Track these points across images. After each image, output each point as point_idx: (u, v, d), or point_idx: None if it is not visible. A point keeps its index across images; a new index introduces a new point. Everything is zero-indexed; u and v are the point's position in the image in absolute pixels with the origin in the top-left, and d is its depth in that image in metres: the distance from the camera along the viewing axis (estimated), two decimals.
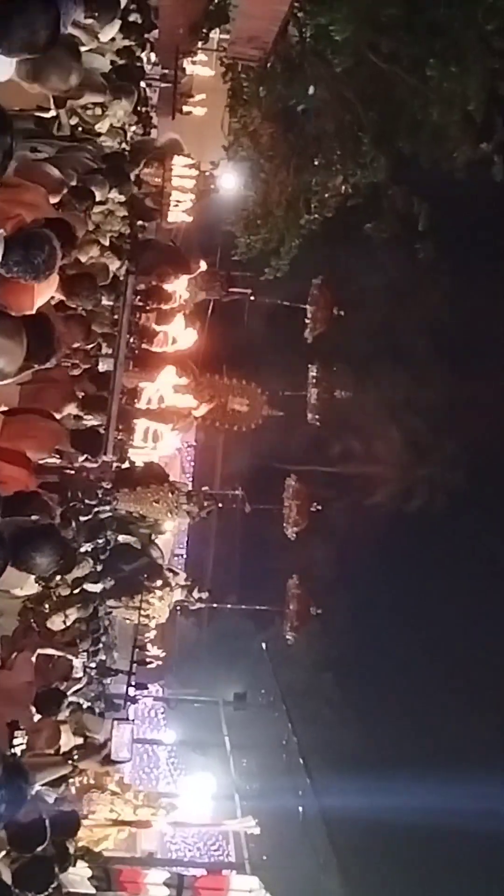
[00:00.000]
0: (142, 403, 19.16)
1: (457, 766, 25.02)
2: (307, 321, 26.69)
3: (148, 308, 18.86)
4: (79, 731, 9.62)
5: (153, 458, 20.61)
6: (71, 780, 9.76)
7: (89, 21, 8.54)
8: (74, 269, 8.18)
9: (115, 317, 13.84)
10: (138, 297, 18.07)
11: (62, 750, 7.24)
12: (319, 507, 27.48)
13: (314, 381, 26.94)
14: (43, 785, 6.45)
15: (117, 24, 9.40)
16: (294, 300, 27.09)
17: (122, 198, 11.53)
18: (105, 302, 11.14)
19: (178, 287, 20.20)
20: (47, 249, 4.45)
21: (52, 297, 7.14)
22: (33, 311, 6.23)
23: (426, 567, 29.88)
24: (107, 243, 10.67)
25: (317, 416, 27.35)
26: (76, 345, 8.46)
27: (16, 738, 6.25)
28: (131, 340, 17.47)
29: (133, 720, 19.44)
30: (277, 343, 27.86)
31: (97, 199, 8.74)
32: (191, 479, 29.46)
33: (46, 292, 6.78)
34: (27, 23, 3.93)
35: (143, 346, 18.95)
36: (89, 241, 9.53)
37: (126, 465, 19.06)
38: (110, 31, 9.44)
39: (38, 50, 4.11)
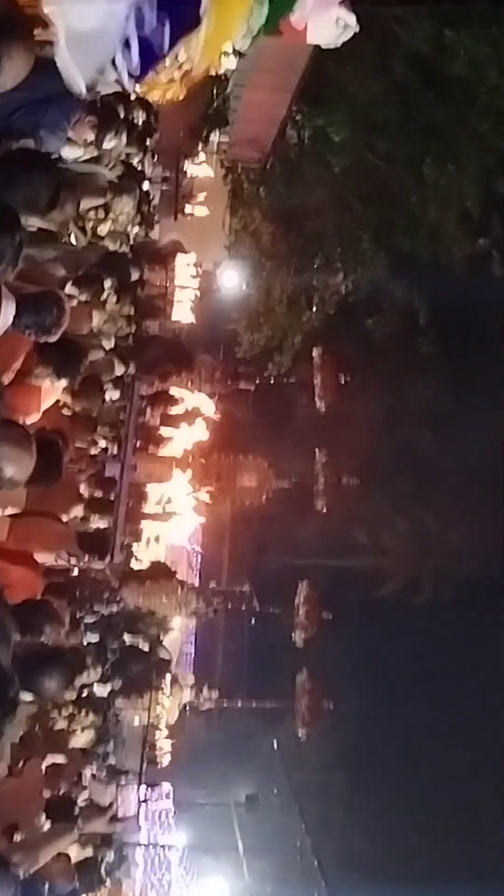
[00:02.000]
0: (149, 507, 19.15)
1: (478, 876, 24.45)
2: (315, 392, 26.82)
3: (153, 412, 19.01)
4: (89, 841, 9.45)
5: (159, 555, 20.55)
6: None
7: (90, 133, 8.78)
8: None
9: (122, 418, 13.92)
10: (144, 401, 18.22)
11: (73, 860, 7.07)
12: (331, 616, 27.24)
13: (321, 466, 26.99)
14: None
15: (118, 136, 9.63)
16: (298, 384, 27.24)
17: (126, 301, 11.68)
18: (109, 402, 11.22)
19: (184, 392, 20.37)
20: (55, 311, 4.59)
21: (58, 401, 7.23)
22: (40, 414, 6.32)
23: (436, 659, 29.59)
24: (111, 346, 10.78)
25: (323, 504, 27.33)
26: (81, 446, 8.51)
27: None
28: (137, 444, 17.55)
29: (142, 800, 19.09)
30: (283, 429, 27.92)
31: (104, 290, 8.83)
32: (197, 576, 29.30)
33: (53, 395, 6.86)
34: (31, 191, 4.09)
35: (150, 451, 19.02)
36: (93, 346, 9.64)
37: (133, 564, 18.98)
38: (111, 143, 9.67)
39: (41, 213, 4.29)
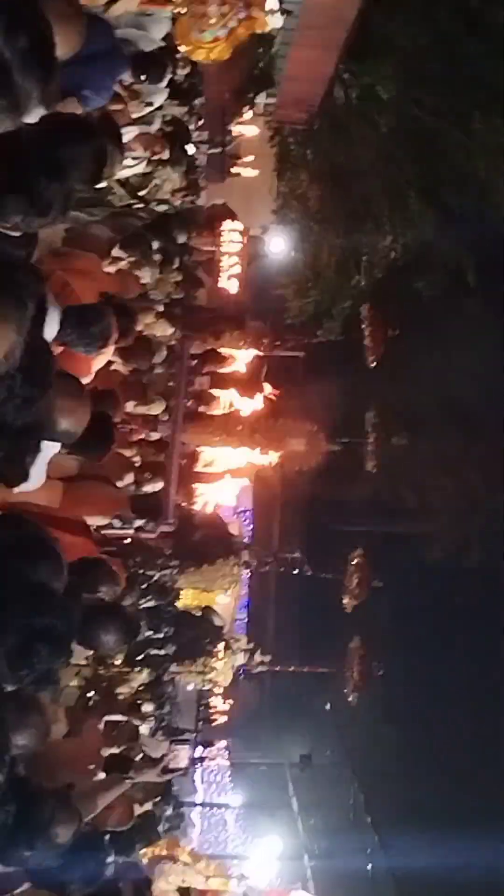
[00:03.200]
0: (199, 466, 19.21)
1: None
2: (366, 345, 26.70)
3: (204, 372, 18.99)
4: (147, 797, 9.54)
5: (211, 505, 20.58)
6: (143, 851, 9.66)
7: (137, 86, 8.71)
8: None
9: (171, 383, 13.92)
10: (194, 360, 18.20)
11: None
12: (381, 585, 27.25)
13: (371, 427, 26.93)
14: (113, 846, 6.33)
15: (165, 91, 9.56)
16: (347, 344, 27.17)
17: (172, 264, 11.63)
18: (159, 370, 11.21)
19: (235, 352, 20.33)
20: (103, 322, 4.51)
21: (109, 362, 7.21)
22: (91, 376, 6.29)
23: (487, 620, 29.49)
24: (160, 309, 10.75)
25: (374, 464, 27.29)
26: (131, 411, 8.51)
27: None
28: (188, 404, 17.56)
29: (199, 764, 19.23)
30: (333, 392, 27.82)
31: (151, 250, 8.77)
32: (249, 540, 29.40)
33: (103, 358, 6.84)
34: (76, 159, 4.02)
35: (200, 409, 19.02)
36: (143, 309, 9.61)
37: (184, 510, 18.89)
38: (159, 98, 9.59)
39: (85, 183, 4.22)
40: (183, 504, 18.53)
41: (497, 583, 29.56)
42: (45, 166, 3.30)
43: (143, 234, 9.28)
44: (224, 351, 19.47)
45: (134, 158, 7.81)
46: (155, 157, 9.19)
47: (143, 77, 8.30)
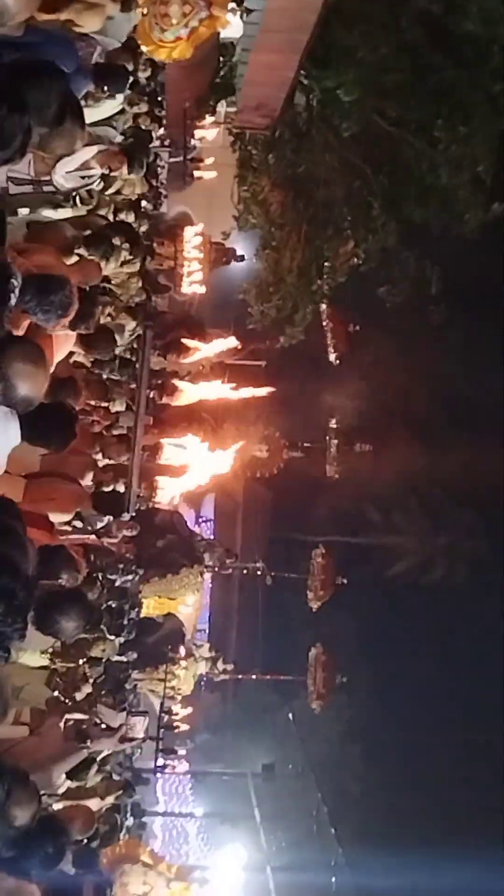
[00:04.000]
0: (162, 459, 19.09)
1: (492, 842, 24.48)
2: (328, 343, 26.76)
3: (167, 361, 18.93)
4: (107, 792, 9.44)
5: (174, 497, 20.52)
6: (102, 851, 9.55)
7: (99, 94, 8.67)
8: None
9: (134, 371, 13.80)
10: (157, 351, 18.10)
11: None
12: (345, 581, 27.26)
13: (334, 434, 26.98)
14: (75, 859, 6.23)
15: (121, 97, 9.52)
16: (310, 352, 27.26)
17: (136, 263, 11.56)
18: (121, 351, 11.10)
19: (198, 344, 20.30)
20: (62, 293, 4.43)
21: (71, 353, 7.11)
22: (53, 366, 6.19)
23: (449, 638, 29.59)
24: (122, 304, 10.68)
25: (336, 471, 27.31)
26: (94, 402, 8.42)
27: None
28: (151, 395, 17.43)
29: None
30: (295, 396, 27.80)
31: (112, 256, 8.72)
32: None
33: (66, 346, 6.75)
34: (41, 97, 3.92)
35: (163, 400, 18.94)
36: (105, 304, 9.52)
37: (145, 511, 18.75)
38: (116, 104, 9.55)
39: (47, 124, 4.10)
40: (145, 507, 18.41)
41: (459, 599, 29.69)
42: (8, 99, 3.22)
43: (106, 235, 9.23)
44: (187, 342, 19.41)
45: (89, 177, 7.73)
46: (112, 174, 9.10)
47: (105, 88, 8.27)
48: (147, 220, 15.20)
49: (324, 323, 27.04)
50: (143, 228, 12.95)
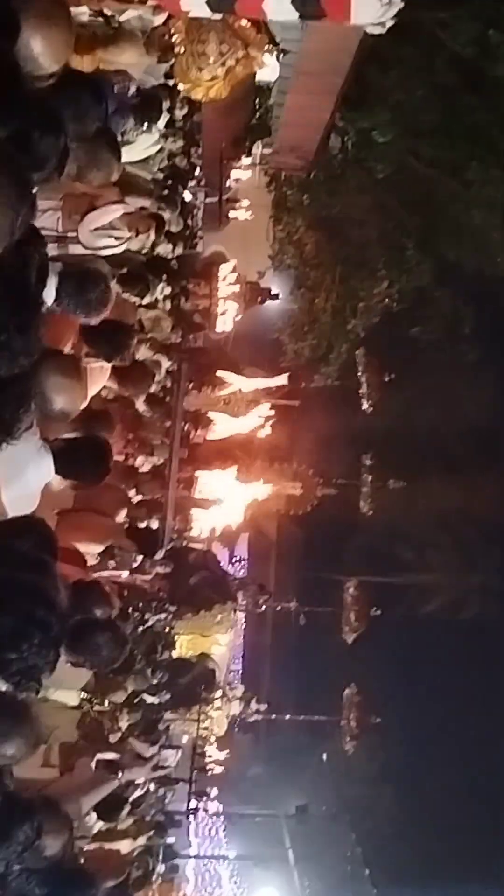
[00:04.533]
0: (196, 493, 19.14)
1: None
2: (361, 393, 26.81)
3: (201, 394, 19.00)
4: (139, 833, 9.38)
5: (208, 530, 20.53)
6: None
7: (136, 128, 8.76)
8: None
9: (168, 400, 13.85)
10: (191, 383, 18.16)
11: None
12: (379, 612, 27.17)
13: (367, 470, 26.96)
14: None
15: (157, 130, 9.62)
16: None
17: (168, 302, 11.63)
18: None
19: (233, 377, 20.35)
20: (101, 287, 4.43)
21: (105, 387, 7.14)
22: (87, 401, 6.21)
23: (483, 678, 29.35)
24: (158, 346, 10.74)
25: (369, 507, 27.29)
26: (130, 435, 8.46)
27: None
28: (185, 427, 17.47)
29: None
30: (329, 434, 27.81)
31: (148, 294, 8.77)
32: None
33: (100, 381, 6.77)
34: (79, 114, 3.96)
35: (198, 433, 18.98)
36: (140, 341, 9.57)
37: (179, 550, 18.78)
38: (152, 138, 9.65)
39: (85, 142, 4.13)
40: (179, 544, 18.42)
41: (493, 637, 29.45)
42: (42, 120, 3.24)
43: (142, 275, 9.27)
44: (222, 374, 19.48)
45: (116, 238, 7.79)
46: (140, 237, 9.16)
47: (141, 117, 8.35)
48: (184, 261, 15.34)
49: (358, 373, 27.06)
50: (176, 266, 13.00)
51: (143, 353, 9.68)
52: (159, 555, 11.61)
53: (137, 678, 10.97)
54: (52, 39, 3.52)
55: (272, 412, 22.26)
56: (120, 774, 7.20)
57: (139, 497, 10.95)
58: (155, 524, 11.28)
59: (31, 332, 2.96)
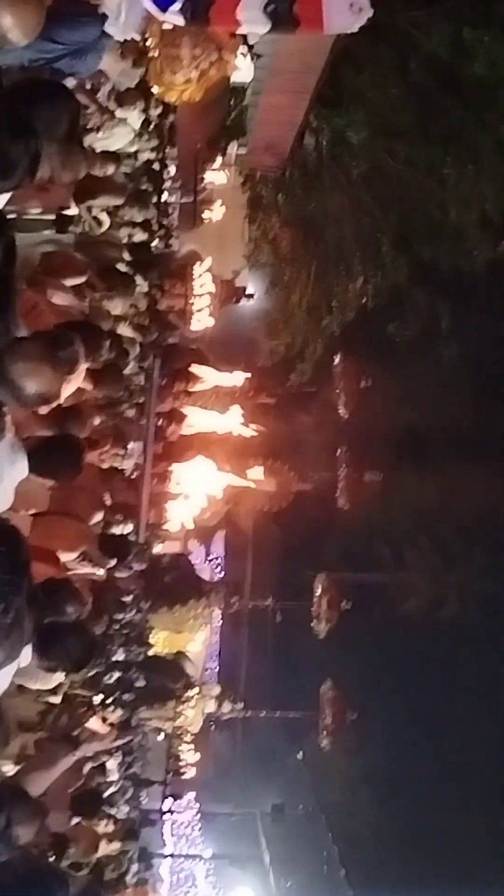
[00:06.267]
0: (171, 487, 19.12)
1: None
2: (337, 392, 26.88)
3: (175, 390, 18.97)
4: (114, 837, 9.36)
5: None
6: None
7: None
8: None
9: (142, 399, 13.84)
10: (164, 379, 18.15)
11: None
12: (350, 605, 27.21)
13: (342, 461, 27.06)
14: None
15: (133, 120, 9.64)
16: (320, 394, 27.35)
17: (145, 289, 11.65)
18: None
19: (207, 372, 20.34)
20: (70, 349, 4.43)
21: (79, 388, 7.14)
22: (61, 399, 6.21)
23: (460, 677, 29.41)
24: (129, 334, 10.76)
25: (346, 502, 27.36)
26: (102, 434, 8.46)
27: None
28: (159, 423, 17.43)
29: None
30: (304, 431, 27.87)
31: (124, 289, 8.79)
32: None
33: (73, 383, 6.76)
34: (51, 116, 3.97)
35: (171, 428, 18.96)
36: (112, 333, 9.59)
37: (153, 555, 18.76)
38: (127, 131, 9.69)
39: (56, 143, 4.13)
40: (153, 542, 18.39)
41: (470, 637, 29.52)
42: (11, 126, 3.22)
43: (117, 269, 9.29)
44: (195, 370, 19.47)
45: None
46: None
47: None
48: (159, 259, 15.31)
49: (334, 371, 27.14)
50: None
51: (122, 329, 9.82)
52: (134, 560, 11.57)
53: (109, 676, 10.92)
54: (21, 15, 3.56)
55: (245, 414, 22.25)
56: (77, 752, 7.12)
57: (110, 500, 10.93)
58: (129, 528, 11.25)
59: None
